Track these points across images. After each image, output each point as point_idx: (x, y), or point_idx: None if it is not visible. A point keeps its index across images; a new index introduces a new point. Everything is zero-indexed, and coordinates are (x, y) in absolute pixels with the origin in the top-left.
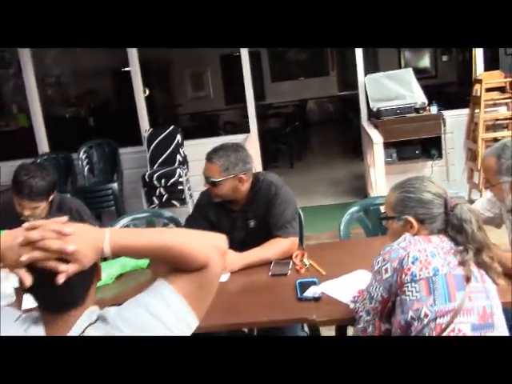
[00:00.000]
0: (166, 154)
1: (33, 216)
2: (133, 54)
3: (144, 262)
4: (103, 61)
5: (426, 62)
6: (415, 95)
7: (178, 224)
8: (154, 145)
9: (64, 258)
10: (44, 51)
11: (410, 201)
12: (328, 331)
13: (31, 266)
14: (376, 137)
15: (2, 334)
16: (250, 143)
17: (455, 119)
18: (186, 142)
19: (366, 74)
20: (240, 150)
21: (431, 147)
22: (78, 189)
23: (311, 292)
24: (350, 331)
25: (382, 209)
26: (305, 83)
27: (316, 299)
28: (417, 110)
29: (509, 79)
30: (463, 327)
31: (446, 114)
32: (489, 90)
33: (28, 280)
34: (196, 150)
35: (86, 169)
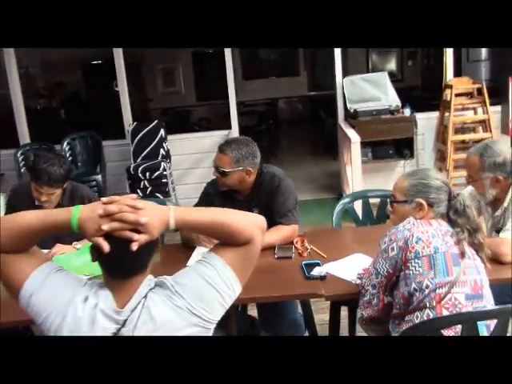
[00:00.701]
0: (150, 147)
1: (48, 202)
2: (118, 51)
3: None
4: (72, 53)
5: (392, 65)
6: (390, 98)
7: None
8: (137, 138)
9: (137, 229)
10: None
11: (424, 186)
12: (322, 315)
13: (107, 235)
14: (354, 136)
15: (74, 297)
16: None
17: (426, 122)
18: (169, 137)
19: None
20: (250, 144)
21: (404, 147)
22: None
23: (317, 271)
24: (344, 312)
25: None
26: (276, 82)
27: (322, 278)
28: (391, 112)
29: (476, 85)
30: (458, 296)
31: (418, 116)
32: (458, 95)
33: (106, 247)
34: (178, 144)
35: (68, 160)
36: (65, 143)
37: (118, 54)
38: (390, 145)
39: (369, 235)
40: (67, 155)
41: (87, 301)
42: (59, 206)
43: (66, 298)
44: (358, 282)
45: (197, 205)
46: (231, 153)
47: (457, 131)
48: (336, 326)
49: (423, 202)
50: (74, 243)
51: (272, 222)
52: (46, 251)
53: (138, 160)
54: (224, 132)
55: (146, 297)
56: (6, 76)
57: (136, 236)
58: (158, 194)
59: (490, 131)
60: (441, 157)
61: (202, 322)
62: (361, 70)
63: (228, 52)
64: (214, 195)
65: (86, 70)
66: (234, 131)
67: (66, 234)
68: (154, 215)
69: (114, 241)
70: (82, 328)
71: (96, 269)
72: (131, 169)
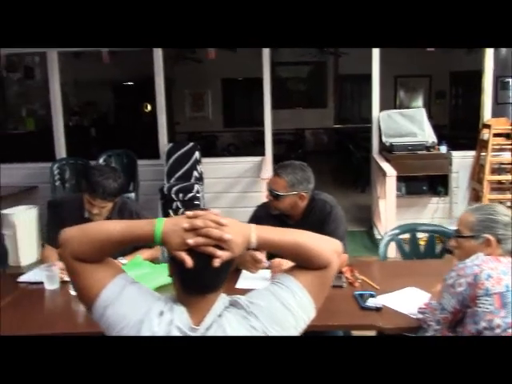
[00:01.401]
0: (184, 169)
1: (99, 215)
2: (159, 70)
3: None
4: (104, 73)
5: (419, 103)
6: (426, 134)
7: None
8: (172, 159)
9: (219, 245)
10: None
11: (492, 221)
12: None
13: (189, 250)
14: (389, 170)
15: (149, 311)
16: (266, 166)
17: (461, 160)
18: (203, 160)
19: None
20: (306, 169)
21: (438, 184)
22: (52, 201)
23: (372, 302)
24: None
25: (420, 235)
26: (303, 113)
27: (378, 309)
28: (427, 148)
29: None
30: None
31: (453, 154)
32: (496, 135)
33: (190, 261)
34: (211, 167)
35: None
36: (101, 159)
37: (159, 73)
38: (424, 181)
39: (417, 269)
40: None
41: (163, 316)
42: (108, 219)
43: (141, 312)
44: (420, 316)
45: None
46: (287, 177)
47: (493, 171)
48: None
49: (491, 238)
50: (120, 258)
51: None
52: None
53: (172, 180)
54: (257, 158)
55: (220, 315)
56: (47, 90)
57: (219, 252)
58: None
59: None
60: (475, 196)
61: None
62: (389, 106)
63: (267, 77)
64: (264, 218)
65: (118, 91)
66: (268, 158)
67: None
68: (236, 232)
69: (195, 256)
70: None
71: (147, 284)
72: (165, 189)
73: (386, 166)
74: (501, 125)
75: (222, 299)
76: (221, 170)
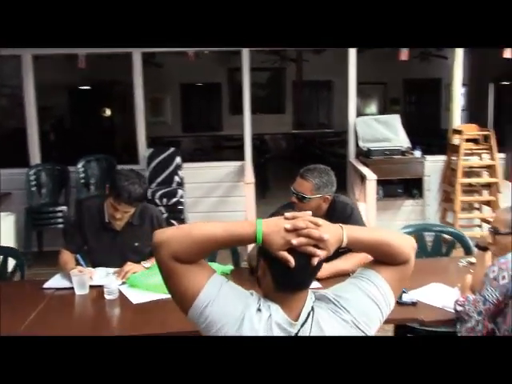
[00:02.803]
0: (165, 174)
1: (121, 219)
2: (138, 74)
3: (229, 268)
4: (59, 78)
5: (373, 109)
6: (400, 139)
7: None
8: (153, 164)
9: (317, 245)
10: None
11: None
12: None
13: (290, 250)
14: (369, 174)
15: (247, 309)
16: (247, 170)
17: (432, 164)
18: (184, 165)
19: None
20: (330, 173)
21: (412, 187)
22: (79, 201)
23: (407, 298)
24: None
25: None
26: (261, 118)
27: (413, 304)
28: (402, 153)
29: (484, 132)
30: None
31: (427, 158)
32: (466, 140)
33: (292, 261)
34: (192, 172)
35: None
36: (79, 165)
37: (138, 77)
38: (399, 184)
39: (431, 266)
40: (80, 177)
41: (261, 313)
42: (129, 224)
43: (239, 310)
44: (460, 308)
45: None
46: (313, 180)
47: (464, 174)
48: None
49: None
50: (143, 262)
51: (342, 250)
52: (114, 269)
53: (153, 185)
54: (237, 163)
55: (313, 310)
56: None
57: (318, 252)
58: (173, 221)
59: (497, 176)
60: (446, 198)
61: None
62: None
63: (246, 85)
64: None
65: (74, 95)
66: (248, 163)
67: (131, 253)
68: (331, 232)
69: (295, 255)
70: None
71: (160, 287)
72: (148, 194)
73: (366, 171)
74: (470, 131)
75: (310, 295)
76: (201, 174)
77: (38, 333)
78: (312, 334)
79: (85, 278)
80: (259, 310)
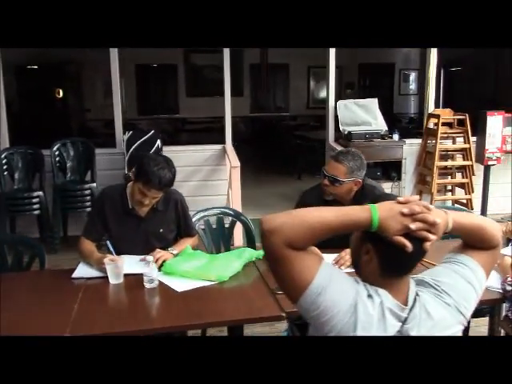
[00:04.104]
0: None
1: (148, 205)
2: (114, 54)
3: (261, 253)
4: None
5: (322, 93)
6: (379, 123)
7: (244, 222)
8: (133, 148)
9: (428, 229)
10: None
11: None
12: None
13: (404, 235)
14: None
15: (358, 294)
16: (230, 154)
17: (408, 147)
18: (164, 148)
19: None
20: (362, 157)
21: (391, 170)
22: (57, 187)
23: None
24: None
25: None
26: (219, 101)
27: None
28: (382, 136)
29: (459, 117)
30: None
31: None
32: (442, 124)
33: (410, 246)
34: (172, 156)
35: (56, 166)
36: (54, 148)
37: (114, 57)
38: (378, 167)
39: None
40: (56, 161)
41: (372, 299)
42: (153, 210)
43: (351, 297)
44: (509, 288)
45: None
46: (348, 163)
47: (441, 157)
48: None
49: None
50: (170, 249)
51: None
52: (141, 257)
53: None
54: (218, 146)
55: (418, 295)
56: None
57: (431, 236)
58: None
59: (471, 159)
60: (421, 180)
61: (463, 320)
62: (303, 95)
63: (227, 65)
64: (315, 204)
65: (21, 75)
66: (229, 146)
67: (155, 240)
68: (440, 217)
69: (409, 240)
70: (373, 326)
71: (205, 273)
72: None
73: None
74: (446, 115)
75: (411, 279)
76: (181, 158)
77: (88, 330)
78: (422, 318)
79: (120, 267)
80: (370, 295)
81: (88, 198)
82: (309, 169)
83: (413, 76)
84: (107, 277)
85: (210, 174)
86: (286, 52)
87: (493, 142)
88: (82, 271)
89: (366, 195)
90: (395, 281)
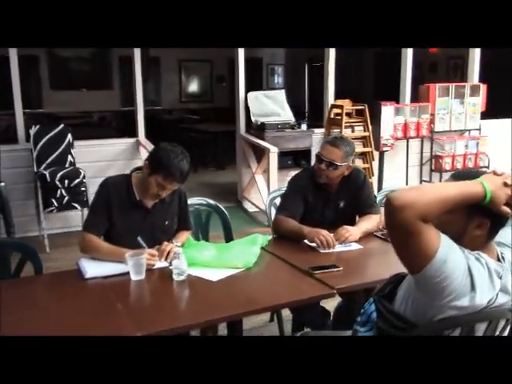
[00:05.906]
0: (56, 153)
1: (163, 197)
2: None
3: (268, 238)
4: None
5: (195, 87)
6: (286, 113)
7: (221, 212)
8: (41, 143)
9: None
10: None
11: None
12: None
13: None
14: (271, 147)
15: (468, 258)
16: (142, 148)
17: (316, 136)
18: (75, 143)
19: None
20: (352, 143)
21: (301, 158)
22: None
23: None
24: None
25: None
26: (87, 95)
27: None
28: (292, 127)
29: (359, 107)
30: None
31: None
32: (340, 114)
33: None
34: (83, 151)
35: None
36: None
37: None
38: (288, 155)
39: None
40: None
41: (479, 261)
42: (160, 201)
43: (464, 262)
44: None
45: (289, 198)
46: (344, 148)
47: None
48: None
49: None
50: (174, 241)
51: (359, 213)
52: (149, 250)
53: (43, 167)
54: (130, 140)
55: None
56: None
57: None
58: (75, 204)
59: (371, 146)
60: None
61: None
62: (175, 89)
63: (137, 56)
64: (306, 188)
65: None
66: (142, 139)
67: (160, 232)
68: None
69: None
70: (485, 283)
71: (230, 262)
72: (47, 176)
73: (266, 144)
74: (346, 105)
75: None
76: (92, 153)
77: (159, 327)
78: (509, 272)
79: (143, 262)
80: (477, 258)
81: None
82: (215, 160)
83: (279, 70)
84: (123, 274)
85: (124, 169)
86: None
87: (387, 130)
88: (94, 270)
89: (352, 179)
90: (490, 244)
